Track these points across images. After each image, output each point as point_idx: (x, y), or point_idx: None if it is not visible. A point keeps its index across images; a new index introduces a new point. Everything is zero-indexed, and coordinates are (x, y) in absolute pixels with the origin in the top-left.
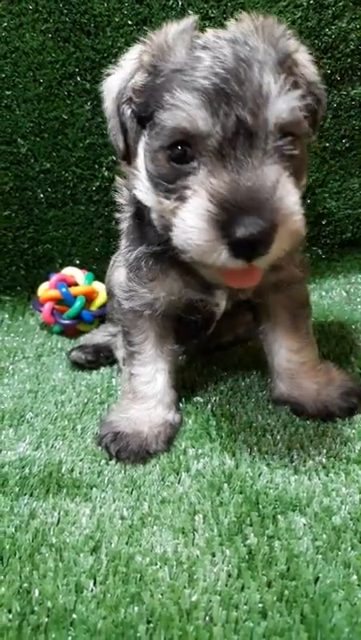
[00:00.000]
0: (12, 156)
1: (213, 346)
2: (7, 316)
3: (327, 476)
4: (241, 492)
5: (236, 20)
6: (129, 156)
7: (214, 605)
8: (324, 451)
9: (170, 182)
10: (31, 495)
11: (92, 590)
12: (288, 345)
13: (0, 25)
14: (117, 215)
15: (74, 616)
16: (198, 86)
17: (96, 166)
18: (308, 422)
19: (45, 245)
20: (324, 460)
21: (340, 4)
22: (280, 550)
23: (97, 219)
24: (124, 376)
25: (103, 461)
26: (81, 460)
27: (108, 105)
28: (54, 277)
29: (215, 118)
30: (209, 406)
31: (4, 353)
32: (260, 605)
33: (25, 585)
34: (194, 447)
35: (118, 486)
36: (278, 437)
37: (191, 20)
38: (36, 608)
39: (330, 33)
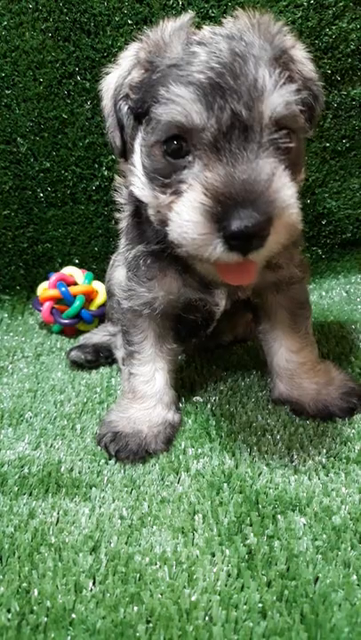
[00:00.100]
0: (12, 155)
1: (213, 345)
2: (6, 315)
3: (327, 475)
4: (241, 492)
5: (233, 17)
6: (126, 152)
7: (214, 605)
8: (324, 451)
9: (166, 177)
10: (30, 495)
11: (91, 590)
12: (288, 345)
13: (0, 24)
14: (117, 215)
15: (73, 616)
16: (194, 80)
17: (96, 165)
18: (307, 422)
19: (45, 245)
20: (323, 459)
21: (341, 4)
22: (280, 550)
23: (96, 218)
24: (123, 375)
25: (102, 461)
26: (80, 460)
27: (106, 102)
28: (54, 277)
29: (210, 112)
30: (209, 406)
31: (3, 352)
32: (260, 605)
33: (24, 584)
34: (193, 447)
35: (118, 486)
36: (278, 437)
37: (187, 16)
38: (35, 608)
39: (330, 33)
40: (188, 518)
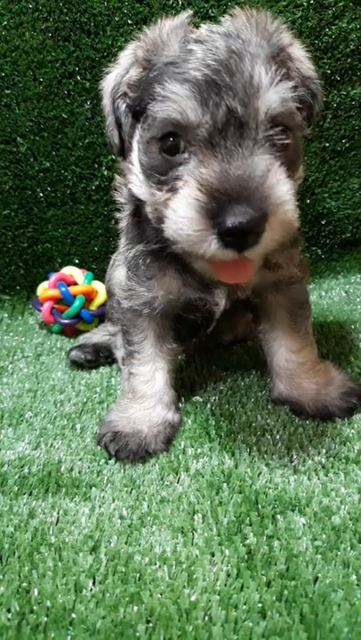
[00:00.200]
0: (12, 155)
1: (213, 345)
2: (6, 315)
3: (326, 475)
4: (240, 492)
5: (231, 15)
6: (124, 151)
7: (213, 605)
8: (324, 451)
9: (162, 174)
10: (30, 494)
11: (91, 590)
12: (287, 345)
13: (0, 24)
14: (117, 214)
15: (73, 615)
16: (189, 78)
17: (96, 165)
18: (307, 422)
19: (45, 245)
20: (323, 459)
21: (341, 4)
22: (279, 550)
23: (96, 218)
24: (123, 375)
25: (102, 461)
26: (80, 460)
27: (105, 101)
28: (54, 277)
29: (205, 108)
30: (208, 406)
31: (3, 352)
32: (260, 605)
33: (24, 584)
34: (193, 447)
35: (117, 486)
36: (278, 437)
37: (185, 15)
38: (35, 607)
39: (330, 33)
40: (188, 518)
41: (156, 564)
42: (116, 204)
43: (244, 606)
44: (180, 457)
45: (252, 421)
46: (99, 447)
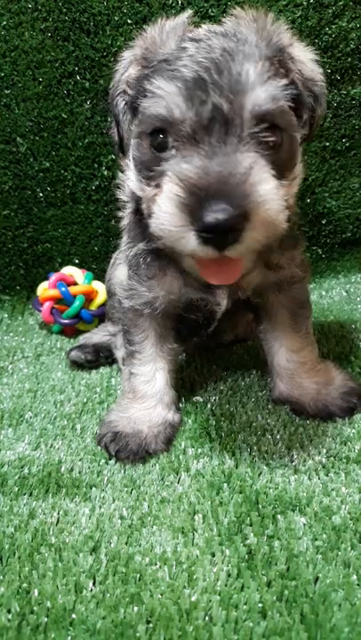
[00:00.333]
0: (12, 155)
1: (214, 345)
2: (6, 315)
3: (327, 475)
4: (241, 492)
5: (233, 15)
6: (123, 148)
7: (214, 605)
8: (324, 450)
9: (151, 169)
10: (30, 495)
11: (91, 590)
12: (288, 344)
13: None
14: (119, 213)
15: (73, 616)
16: (178, 75)
17: (95, 165)
18: (308, 422)
19: (45, 245)
20: (324, 459)
21: (341, 3)
22: (280, 550)
23: (96, 218)
24: (123, 375)
25: (103, 461)
26: (80, 460)
27: (110, 100)
28: (54, 277)
29: (190, 104)
30: (209, 406)
31: (3, 352)
32: (260, 605)
33: (24, 585)
34: (193, 447)
35: (118, 486)
36: (278, 437)
37: (186, 14)
38: (35, 608)
39: (330, 32)
40: (188, 518)
41: (156, 564)
42: (117, 202)
43: (245, 606)
44: (181, 457)
45: (253, 421)
46: (99, 447)
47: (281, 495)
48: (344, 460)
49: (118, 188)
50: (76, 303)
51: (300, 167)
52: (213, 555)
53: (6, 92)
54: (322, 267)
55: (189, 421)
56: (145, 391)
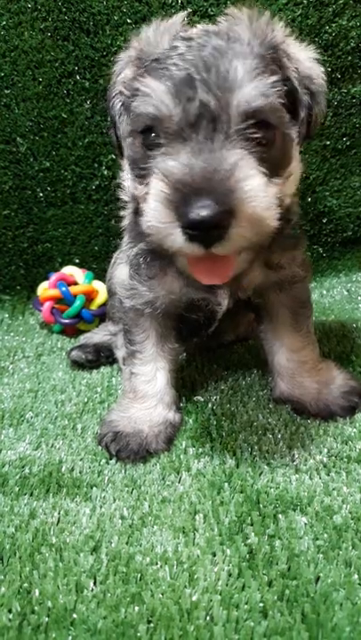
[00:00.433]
0: (12, 154)
1: (215, 344)
2: (7, 315)
3: (328, 475)
4: (242, 492)
5: (227, 14)
6: (120, 148)
7: (215, 605)
8: (325, 450)
9: (142, 168)
10: (31, 495)
11: (92, 590)
12: (289, 344)
13: None
14: (121, 212)
15: (74, 616)
16: (167, 73)
17: (95, 165)
18: (309, 421)
19: (45, 244)
20: (325, 459)
21: (341, 1)
22: (281, 549)
23: (96, 217)
24: (124, 375)
25: (103, 461)
26: (81, 460)
27: (107, 101)
28: (54, 276)
29: (177, 102)
30: (209, 405)
31: (3, 352)
32: (261, 605)
33: (25, 585)
34: (194, 446)
35: (118, 486)
36: (279, 436)
37: (181, 15)
38: (36, 608)
39: (330, 31)
40: (189, 518)
41: (157, 564)
42: (117, 202)
43: (246, 606)
44: (182, 457)
45: (254, 421)
46: (100, 447)
47: (282, 495)
48: (345, 460)
49: (119, 187)
50: (77, 303)
51: (296, 165)
52: (214, 554)
53: (6, 91)
54: (323, 266)
55: (190, 421)
56: (146, 391)
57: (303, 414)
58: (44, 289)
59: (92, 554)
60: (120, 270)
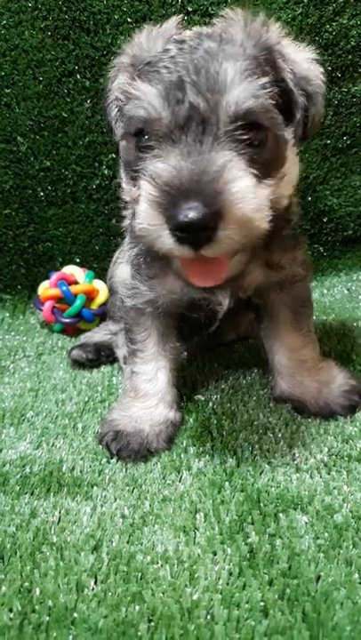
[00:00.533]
0: (12, 154)
1: (216, 344)
2: (8, 314)
3: (329, 474)
4: (242, 491)
5: (221, 16)
6: (119, 152)
7: (215, 604)
8: (326, 449)
9: (135, 170)
10: (32, 494)
11: (93, 589)
12: (289, 343)
13: None
14: (124, 212)
15: (75, 615)
16: (158, 76)
17: (96, 164)
18: (309, 420)
19: (46, 244)
20: (325, 458)
21: (341, 0)
22: (281, 549)
23: (97, 217)
24: (125, 374)
25: (104, 460)
26: (82, 459)
27: (103, 107)
28: (55, 276)
29: (166, 104)
30: (210, 404)
31: (4, 352)
32: (262, 604)
33: (26, 584)
34: (195, 445)
35: (119, 485)
36: (280, 435)
37: (175, 18)
38: (37, 607)
39: (330, 30)
40: (190, 517)
41: (157, 563)
42: (117, 201)
43: (247, 605)
44: (182, 456)
45: (254, 420)
46: (100, 446)
47: (283, 494)
48: (346, 459)
49: (120, 187)
50: (77, 302)
51: (291, 167)
52: (215, 553)
53: (7, 91)
54: (323, 265)
55: (191, 420)
56: (147, 390)
57: (304, 413)
58: (45, 288)
59: (92, 553)
60: (121, 269)
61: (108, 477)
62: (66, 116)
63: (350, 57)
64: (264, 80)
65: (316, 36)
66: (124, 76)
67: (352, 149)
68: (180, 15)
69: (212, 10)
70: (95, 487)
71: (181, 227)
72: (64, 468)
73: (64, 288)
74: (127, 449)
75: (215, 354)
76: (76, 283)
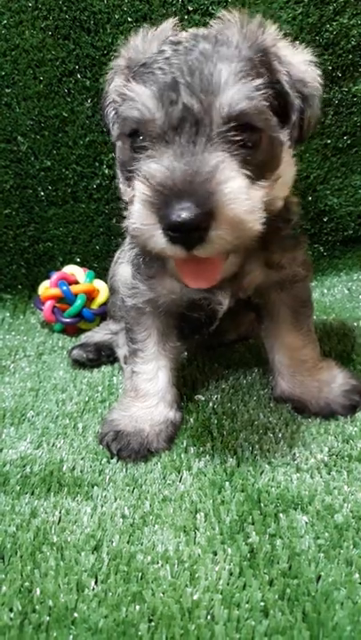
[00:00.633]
0: (13, 154)
1: (216, 343)
2: (8, 314)
3: (329, 474)
4: (242, 491)
5: (218, 18)
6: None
7: (216, 604)
8: (326, 449)
9: (130, 170)
10: (32, 494)
11: (93, 589)
12: (290, 343)
13: (0, 22)
14: (124, 212)
15: (75, 615)
16: (152, 77)
17: (96, 164)
18: (310, 420)
19: (46, 243)
20: (326, 457)
21: (341, 0)
22: (282, 549)
23: (97, 216)
24: (125, 374)
25: (104, 460)
26: (82, 459)
27: (101, 109)
28: (55, 276)
29: (160, 105)
30: (210, 404)
31: (5, 351)
32: (262, 604)
33: (26, 584)
34: (195, 445)
35: (119, 485)
36: (280, 435)
37: (171, 20)
38: (37, 607)
39: (331, 29)
40: (190, 517)
41: (158, 562)
42: (118, 201)
43: (247, 605)
44: (183, 456)
45: (255, 420)
46: (101, 446)
47: (283, 493)
48: (346, 459)
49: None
50: (78, 302)
51: (287, 169)
52: (215, 553)
53: (7, 90)
54: (323, 264)
55: (191, 420)
56: (147, 389)
57: (304, 413)
58: (46, 288)
59: (93, 553)
60: (122, 269)
61: (108, 477)
62: (66, 115)
63: (351, 56)
64: (259, 82)
65: (317, 35)
66: (119, 79)
67: (352, 149)
68: (179, 16)
69: (213, 9)
70: (95, 487)
71: (174, 226)
72: (64, 468)
73: (64, 288)
74: (127, 449)
75: (216, 353)
76: (77, 282)
